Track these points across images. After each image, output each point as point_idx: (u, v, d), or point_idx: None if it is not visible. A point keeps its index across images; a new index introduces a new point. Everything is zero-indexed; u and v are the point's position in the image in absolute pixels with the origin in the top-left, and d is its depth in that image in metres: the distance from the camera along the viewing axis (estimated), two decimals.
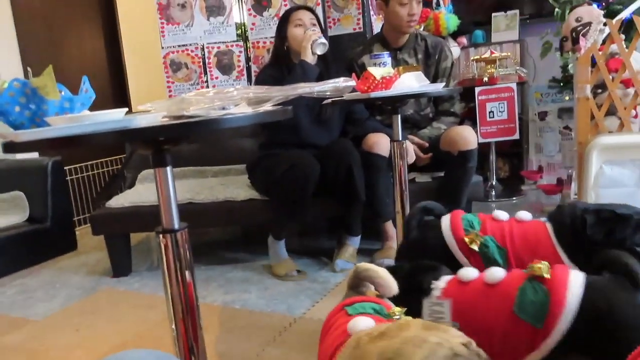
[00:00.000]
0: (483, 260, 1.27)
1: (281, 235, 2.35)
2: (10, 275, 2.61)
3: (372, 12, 2.96)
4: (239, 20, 3.14)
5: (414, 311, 1.00)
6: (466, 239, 1.29)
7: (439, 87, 1.84)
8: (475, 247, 1.26)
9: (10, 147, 0.75)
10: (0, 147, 0.80)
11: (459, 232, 1.34)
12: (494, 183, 3.39)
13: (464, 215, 1.40)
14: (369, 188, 2.23)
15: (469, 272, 1.07)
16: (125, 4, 3.95)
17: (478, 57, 3.28)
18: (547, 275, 0.96)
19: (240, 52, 3.05)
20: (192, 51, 3.03)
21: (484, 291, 1.01)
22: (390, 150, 1.91)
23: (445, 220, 1.39)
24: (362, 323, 0.77)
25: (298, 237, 2.87)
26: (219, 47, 3.04)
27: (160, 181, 0.95)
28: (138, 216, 2.42)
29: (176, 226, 0.95)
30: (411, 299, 1.05)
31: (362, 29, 2.95)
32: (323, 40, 2.19)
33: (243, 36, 3.12)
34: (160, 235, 0.94)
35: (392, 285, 0.95)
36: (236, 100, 0.81)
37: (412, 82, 1.74)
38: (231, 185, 2.56)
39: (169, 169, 0.94)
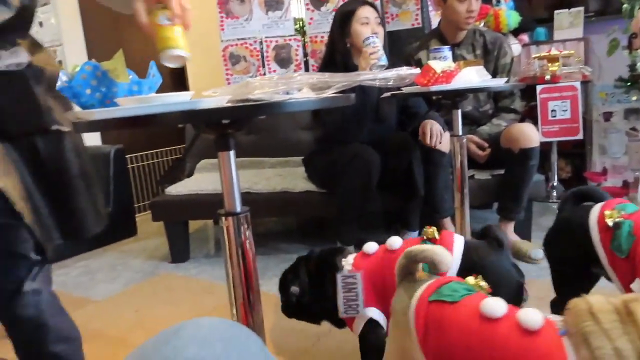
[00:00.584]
0: (612, 240, 1.22)
1: (349, 238, 2.20)
2: (74, 257, 2.75)
3: (430, 8, 2.90)
4: (297, 14, 3.17)
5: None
6: (606, 212, 1.24)
7: (501, 82, 1.79)
8: (609, 222, 1.21)
9: (83, 126, 0.79)
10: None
11: (603, 210, 1.28)
12: (555, 184, 3.26)
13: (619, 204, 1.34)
14: (428, 183, 2.20)
15: (370, 246, 1.30)
16: None
17: (540, 54, 3.15)
18: (437, 237, 1.25)
19: (298, 46, 3.08)
20: (250, 44, 3.08)
21: (386, 257, 1.23)
22: (450, 146, 1.88)
23: (597, 206, 1.33)
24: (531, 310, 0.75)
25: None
26: (277, 41, 3.08)
27: (223, 165, 0.96)
28: (196, 204, 2.49)
29: (238, 209, 0.96)
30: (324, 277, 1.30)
31: (420, 24, 2.90)
32: (383, 61, 1.96)
33: (301, 31, 3.14)
34: (223, 218, 0.96)
35: (449, 260, 0.93)
36: (300, 85, 0.81)
37: (473, 76, 1.70)
38: (289, 177, 2.59)
39: (232, 153, 0.95)
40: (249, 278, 0.95)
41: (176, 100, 0.78)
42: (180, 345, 0.40)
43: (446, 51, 1.75)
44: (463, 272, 1.14)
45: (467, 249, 1.24)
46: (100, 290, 2.29)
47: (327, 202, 2.31)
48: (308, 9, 3.04)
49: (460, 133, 1.82)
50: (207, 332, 0.42)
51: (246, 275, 0.95)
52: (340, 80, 0.82)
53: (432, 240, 1.25)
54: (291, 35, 3.08)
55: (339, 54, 2.24)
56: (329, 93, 0.85)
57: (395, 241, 1.27)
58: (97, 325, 1.89)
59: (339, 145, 2.23)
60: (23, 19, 1.11)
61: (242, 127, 0.93)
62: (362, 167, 2.08)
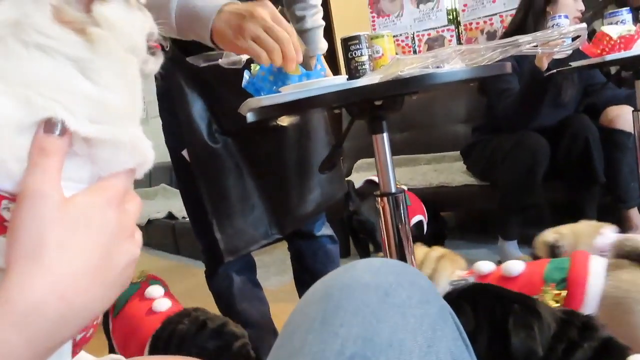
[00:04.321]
0: None
1: (511, 233, 2.11)
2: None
3: None
4: (449, 4, 3.08)
5: None
6: None
7: None
8: None
9: (255, 112, 0.86)
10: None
11: None
12: None
13: None
14: (609, 169, 1.95)
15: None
16: (338, 1, 4.19)
17: None
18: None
19: (452, 36, 2.99)
20: (402, 41, 3.07)
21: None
22: (634, 124, 1.64)
23: None
24: None
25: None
26: (429, 34, 3.03)
27: (378, 147, 0.98)
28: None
29: (393, 189, 0.96)
30: None
31: None
32: (568, 51, 1.59)
33: (455, 20, 3.05)
34: (379, 199, 0.97)
35: None
36: (449, 57, 0.78)
37: None
38: (445, 172, 2.52)
39: (385, 135, 0.96)
40: (405, 259, 0.94)
41: (332, 83, 0.81)
42: (356, 274, 0.46)
43: (625, 14, 1.54)
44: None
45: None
46: (273, 281, 2.49)
47: (488, 195, 2.19)
48: None
49: None
50: (380, 265, 0.48)
51: (402, 256, 0.94)
52: (491, 46, 0.77)
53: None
54: (444, 26, 3.00)
55: (534, 17, 2.01)
56: (482, 62, 0.81)
57: (513, 266, 1.05)
58: (273, 311, 2.05)
59: (500, 132, 2.10)
60: None
61: (394, 108, 0.93)
62: (526, 156, 1.92)
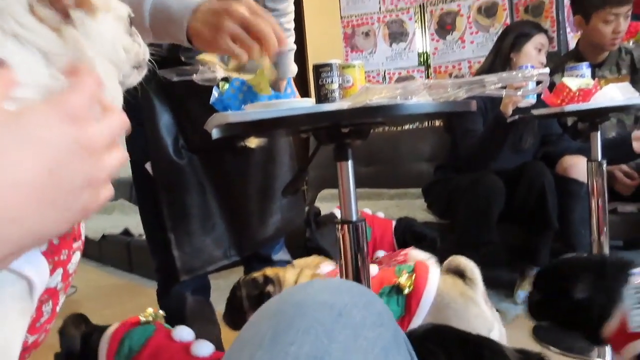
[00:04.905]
0: None
1: None
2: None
3: (568, 29, 2.73)
4: (421, 46, 3.18)
5: None
6: None
7: None
8: None
9: (221, 129, 0.86)
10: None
11: None
12: None
13: None
14: (562, 215, 2.01)
15: None
16: (314, 31, 4.27)
17: None
18: None
19: (422, 77, 3.08)
20: (373, 77, 3.15)
21: None
22: (587, 174, 1.71)
23: None
24: None
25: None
26: (399, 73, 3.11)
27: (342, 175, 0.98)
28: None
29: (354, 218, 0.97)
30: None
31: (555, 48, 2.74)
32: (531, 98, 1.79)
33: (425, 63, 3.15)
34: (339, 226, 0.97)
35: None
36: (418, 89, 0.81)
37: (615, 94, 1.55)
38: (406, 208, 2.55)
39: (350, 163, 0.97)
40: (366, 284, 0.94)
41: (299, 105, 0.82)
42: (312, 292, 0.46)
43: (584, 68, 1.62)
44: None
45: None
46: None
47: (446, 233, 2.23)
48: (433, 39, 3.04)
49: (600, 158, 1.66)
50: (337, 285, 0.48)
51: (365, 281, 0.94)
52: (458, 82, 0.80)
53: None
54: (414, 67, 3.10)
55: (500, 63, 2.15)
56: (449, 97, 0.83)
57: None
58: (226, 336, 1.99)
59: (461, 172, 2.15)
60: None
61: (360, 136, 0.94)
62: (482, 194, 1.97)
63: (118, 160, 0.39)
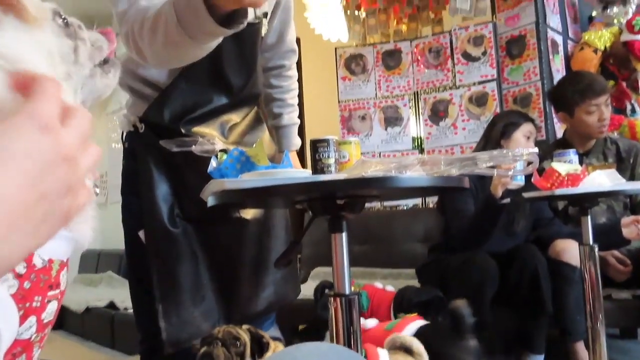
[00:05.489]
0: None
1: None
2: None
3: (555, 119, 2.85)
4: (415, 131, 3.29)
5: None
6: None
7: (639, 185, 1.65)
8: None
9: (216, 197, 0.87)
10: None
11: None
12: None
13: None
14: (556, 300, 1.98)
15: None
16: (312, 113, 4.41)
17: None
18: None
19: None
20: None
21: None
22: (580, 258, 1.72)
23: None
24: None
25: None
26: (394, 155, 3.19)
27: (336, 247, 0.98)
28: (307, 310, 2.48)
29: (347, 291, 0.96)
30: None
31: (544, 137, 2.84)
32: (519, 180, 1.80)
33: (419, 146, 3.24)
34: (331, 299, 0.96)
35: None
36: (412, 164, 0.83)
37: (603, 180, 1.60)
38: (399, 288, 2.52)
39: (344, 235, 0.98)
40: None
41: (296, 175, 0.84)
42: (300, 356, 0.45)
43: (571, 154, 1.68)
44: None
45: None
46: None
47: None
48: (427, 124, 3.16)
49: (592, 242, 1.67)
50: (326, 350, 0.47)
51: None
52: (451, 159, 0.83)
53: None
54: (409, 150, 3.19)
55: (491, 149, 2.13)
56: (442, 173, 0.86)
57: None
58: None
59: (454, 252, 2.15)
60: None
61: (355, 209, 0.96)
62: (475, 274, 1.96)
63: (93, 158, 0.38)
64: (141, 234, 1.34)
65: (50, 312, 0.48)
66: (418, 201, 3.21)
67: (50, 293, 0.48)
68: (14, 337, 0.42)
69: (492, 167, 0.97)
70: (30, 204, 0.33)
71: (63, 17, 0.52)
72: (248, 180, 0.84)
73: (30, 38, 0.45)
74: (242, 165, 0.99)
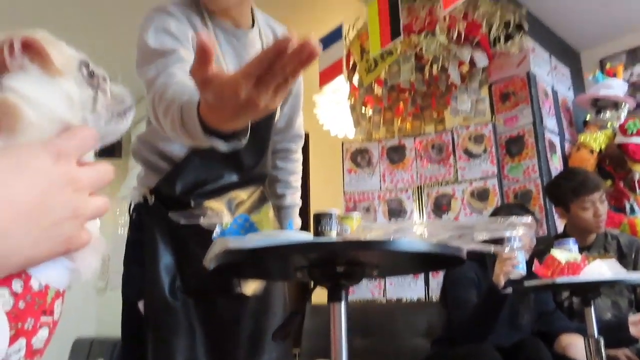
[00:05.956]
0: None
1: None
2: None
3: (555, 215, 2.89)
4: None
5: None
6: None
7: None
8: None
9: (217, 258, 0.90)
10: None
11: None
12: None
13: None
14: None
15: None
16: (318, 204, 4.47)
17: None
18: None
19: None
20: None
21: None
22: (586, 352, 1.67)
23: None
24: None
25: None
26: None
27: (334, 317, 0.98)
28: None
29: None
30: None
31: (546, 233, 2.87)
32: (521, 269, 1.79)
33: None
34: None
35: None
36: (411, 230, 0.86)
37: (604, 269, 1.60)
38: None
39: (343, 304, 0.98)
40: None
41: (298, 237, 0.87)
42: None
43: (571, 244, 1.71)
44: None
45: None
46: None
47: None
48: (430, 217, 3.20)
49: (596, 335, 1.63)
50: None
51: None
52: (448, 225, 0.86)
53: None
54: None
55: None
56: (442, 241, 0.89)
57: None
58: None
59: (456, 345, 2.09)
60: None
61: (354, 277, 0.98)
62: None
63: (101, 203, 0.43)
64: (141, 304, 1.34)
65: (41, 338, 0.47)
66: (422, 294, 3.17)
67: (44, 319, 0.47)
68: (1, 358, 0.42)
69: (489, 241, 0.99)
70: (34, 209, 0.37)
71: (90, 68, 0.55)
72: (251, 239, 0.87)
73: (52, 83, 0.50)
74: (246, 231, 1.02)
